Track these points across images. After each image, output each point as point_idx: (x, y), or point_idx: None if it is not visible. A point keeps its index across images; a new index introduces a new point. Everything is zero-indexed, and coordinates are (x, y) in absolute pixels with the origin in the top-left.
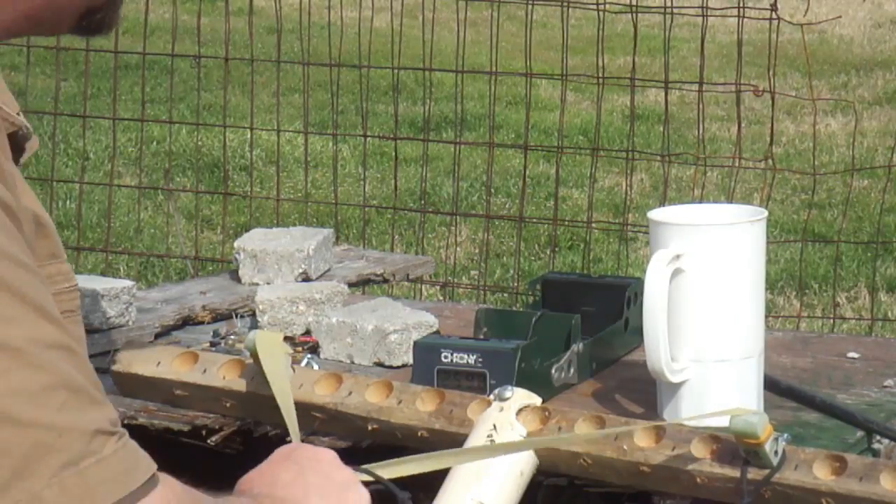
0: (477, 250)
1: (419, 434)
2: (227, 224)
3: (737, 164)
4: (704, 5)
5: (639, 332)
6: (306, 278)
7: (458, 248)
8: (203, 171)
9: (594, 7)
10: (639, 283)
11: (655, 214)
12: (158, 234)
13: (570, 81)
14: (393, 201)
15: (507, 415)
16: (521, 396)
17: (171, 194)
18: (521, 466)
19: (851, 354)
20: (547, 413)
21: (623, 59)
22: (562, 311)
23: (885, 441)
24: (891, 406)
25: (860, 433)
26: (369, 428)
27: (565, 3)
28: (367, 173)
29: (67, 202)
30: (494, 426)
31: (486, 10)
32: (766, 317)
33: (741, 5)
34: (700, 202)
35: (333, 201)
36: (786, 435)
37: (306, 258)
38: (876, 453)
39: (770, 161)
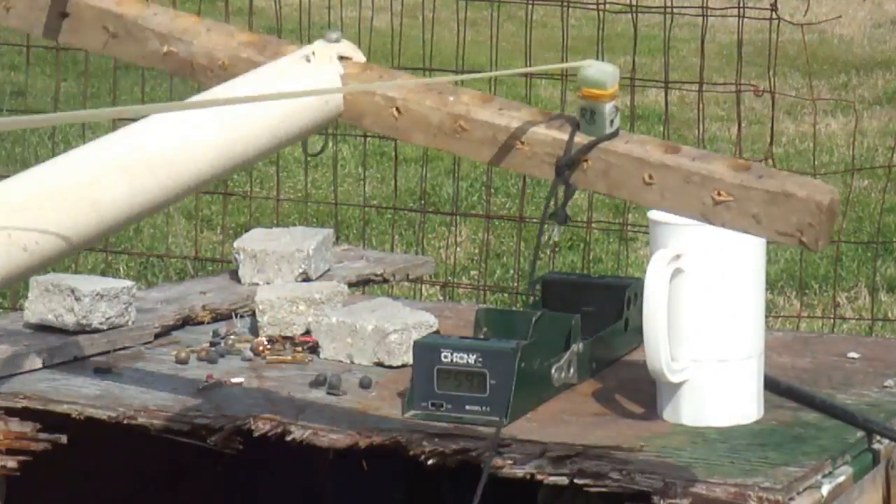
0: (477, 250)
1: (220, 62)
2: (226, 224)
3: None
4: (704, 5)
5: (639, 332)
6: (306, 278)
7: (458, 248)
8: None
9: (594, 7)
10: (639, 283)
11: (655, 214)
12: (158, 234)
13: (570, 81)
14: (393, 201)
15: (329, 50)
16: (348, 46)
17: None
18: (331, 106)
19: (851, 354)
20: (369, 68)
21: (623, 59)
22: (562, 311)
23: (886, 441)
24: (891, 406)
25: (860, 433)
26: (164, 50)
27: (565, 3)
28: (367, 173)
29: None
30: (314, 52)
31: (486, 10)
32: (766, 317)
33: (741, 5)
34: None
35: (333, 201)
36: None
37: (306, 258)
38: (876, 453)
39: (770, 161)
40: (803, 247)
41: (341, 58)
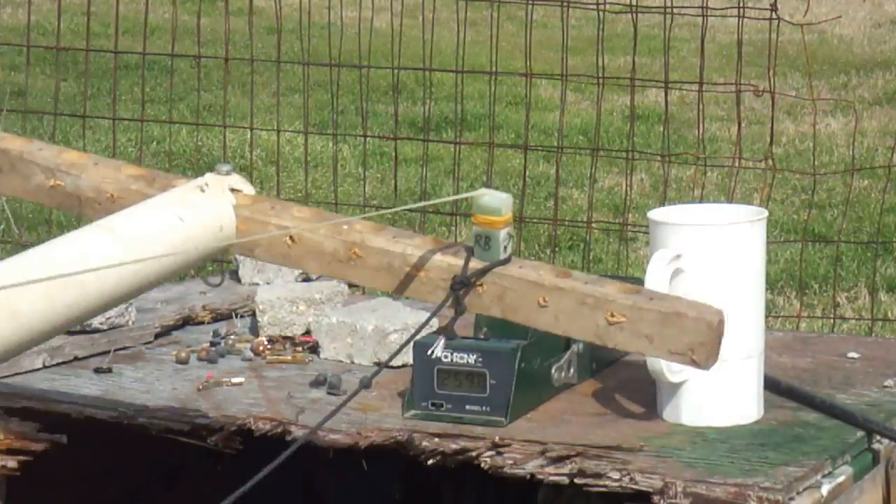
0: None
1: (108, 195)
2: None
3: (737, 164)
4: (704, 5)
5: None
6: (306, 278)
7: None
8: (203, 172)
9: (594, 7)
10: (639, 283)
11: (655, 214)
12: None
13: (570, 81)
14: (393, 201)
15: (221, 182)
16: (238, 179)
17: None
18: (221, 221)
19: (851, 354)
20: (261, 200)
21: (623, 59)
22: None
23: (885, 441)
24: (891, 406)
25: (860, 433)
26: (50, 184)
27: (565, 3)
28: (367, 173)
29: None
30: (207, 183)
31: (486, 10)
32: (766, 317)
33: (741, 5)
34: (700, 202)
35: (333, 201)
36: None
37: None
38: (876, 453)
39: (770, 161)
40: (694, 365)
41: (233, 190)
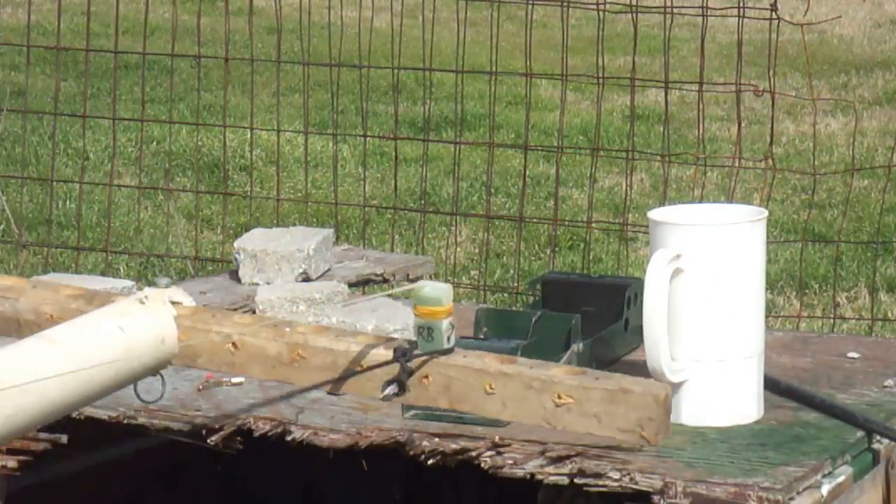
0: (477, 250)
1: (47, 315)
2: (227, 224)
3: (737, 164)
4: (704, 5)
5: (639, 332)
6: (306, 278)
7: (458, 248)
8: (203, 171)
9: (594, 7)
10: (639, 283)
11: (655, 214)
12: (158, 234)
13: (570, 81)
14: (393, 201)
15: (161, 295)
16: (177, 291)
17: (171, 194)
18: (162, 333)
19: (851, 354)
20: (201, 310)
21: (623, 59)
22: (562, 311)
23: (885, 441)
24: (891, 406)
25: (860, 433)
26: None
27: (565, 3)
28: (367, 173)
29: (67, 202)
30: (147, 296)
31: (486, 10)
32: (766, 317)
33: (741, 5)
34: (700, 202)
35: (333, 201)
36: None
37: (306, 258)
38: (876, 453)
39: (770, 161)
40: (644, 442)
41: (173, 302)
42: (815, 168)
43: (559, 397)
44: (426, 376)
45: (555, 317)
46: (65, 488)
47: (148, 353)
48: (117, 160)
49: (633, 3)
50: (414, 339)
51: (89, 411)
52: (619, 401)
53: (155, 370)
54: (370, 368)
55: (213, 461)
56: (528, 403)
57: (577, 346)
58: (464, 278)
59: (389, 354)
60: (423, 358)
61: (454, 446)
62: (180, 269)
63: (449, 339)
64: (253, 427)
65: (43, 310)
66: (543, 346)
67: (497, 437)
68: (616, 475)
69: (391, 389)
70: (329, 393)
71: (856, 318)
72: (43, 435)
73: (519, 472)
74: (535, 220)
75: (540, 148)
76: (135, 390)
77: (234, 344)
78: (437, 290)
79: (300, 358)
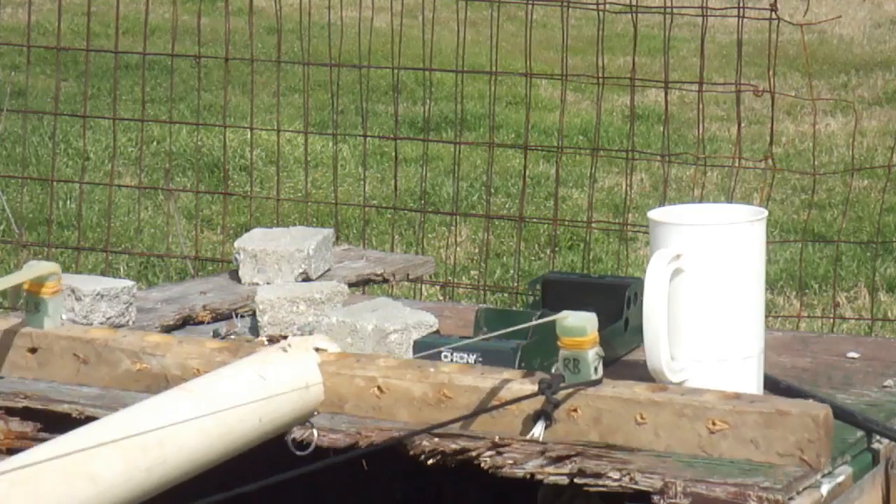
0: (477, 250)
1: (195, 370)
2: (227, 224)
3: (737, 164)
4: (704, 5)
5: (639, 332)
6: (306, 278)
7: (458, 248)
8: (203, 171)
9: (594, 7)
10: (639, 283)
11: (655, 214)
12: (158, 234)
13: (570, 81)
14: (393, 201)
15: (305, 342)
16: (322, 338)
17: (171, 194)
18: (306, 379)
19: (851, 354)
20: (346, 355)
21: (623, 59)
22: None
23: (885, 441)
24: (890, 406)
25: (860, 433)
26: (137, 367)
27: (565, 3)
28: (367, 173)
29: (67, 202)
30: (290, 344)
31: (486, 10)
32: (766, 317)
33: (741, 5)
34: (700, 202)
35: (333, 201)
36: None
37: (306, 258)
38: (875, 453)
39: (770, 161)
40: (805, 466)
41: (317, 349)
42: (814, 168)
43: (713, 423)
44: (575, 409)
45: None
46: None
47: (291, 399)
48: (117, 160)
49: (633, 3)
50: (559, 371)
51: (90, 411)
52: (776, 424)
53: (303, 418)
54: (516, 401)
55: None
56: (682, 432)
57: None
58: (464, 278)
59: (535, 388)
60: (570, 390)
61: (454, 446)
62: (180, 269)
63: (596, 370)
64: None
65: (189, 364)
66: (543, 346)
67: (497, 437)
68: (616, 475)
69: (540, 424)
70: (479, 427)
71: (855, 318)
72: (43, 435)
73: (519, 472)
74: (535, 220)
75: (540, 148)
76: (287, 441)
77: (378, 388)
78: (581, 320)
79: (446, 398)
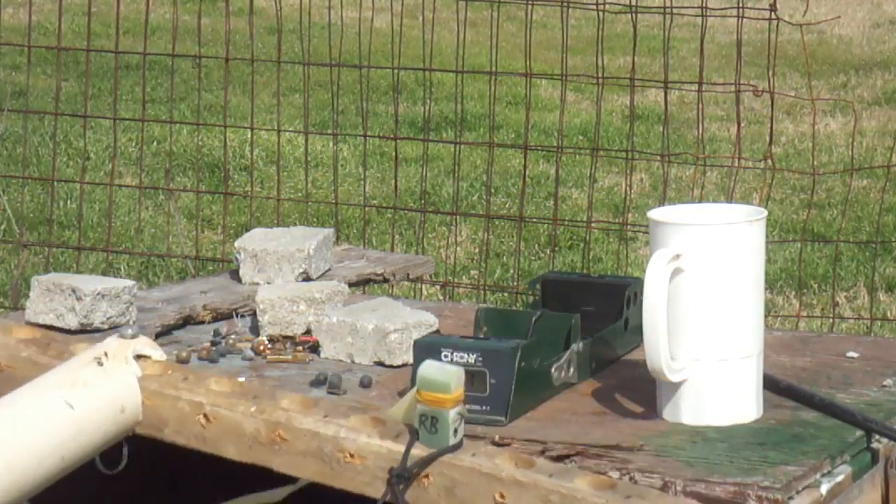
0: (477, 250)
1: None
2: (227, 224)
3: (736, 164)
4: (704, 5)
5: (639, 331)
6: (307, 278)
7: (458, 248)
8: (203, 171)
9: (594, 7)
10: (639, 283)
11: (655, 214)
12: (159, 234)
13: (570, 81)
14: (393, 201)
15: (124, 349)
16: (144, 343)
17: (172, 194)
18: (122, 401)
19: (850, 354)
20: (171, 368)
21: (623, 59)
22: (562, 311)
23: (884, 440)
24: (890, 405)
25: (859, 432)
26: None
27: (565, 3)
28: (367, 173)
29: (68, 202)
30: (106, 353)
31: (486, 10)
32: (766, 316)
33: (741, 5)
34: (700, 202)
35: (334, 201)
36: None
37: (306, 258)
38: (875, 453)
39: (769, 161)
40: None
41: (138, 357)
42: (814, 168)
43: None
44: (426, 476)
45: (555, 316)
46: (65, 489)
47: (102, 427)
48: (118, 160)
49: (633, 3)
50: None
51: None
52: None
53: (115, 441)
54: (360, 457)
55: (214, 461)
56: None
57: (577, 346)
58: (464, 278)
59: (385, 445)
60: (425, 454)
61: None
62: (181, 269)
63: (456, 432)
64: None
65: None
66: (543, 346)
67: (497, 437)
68: (616, 475)
69: (384, 493)
70: (314, 480)
71: (855, 318)
72: None
73: None
74: (535, 219)
75: (540, 148)
76: (95, 461)
77: (205, 415)
78: (444, 374)
79: (281, 440)
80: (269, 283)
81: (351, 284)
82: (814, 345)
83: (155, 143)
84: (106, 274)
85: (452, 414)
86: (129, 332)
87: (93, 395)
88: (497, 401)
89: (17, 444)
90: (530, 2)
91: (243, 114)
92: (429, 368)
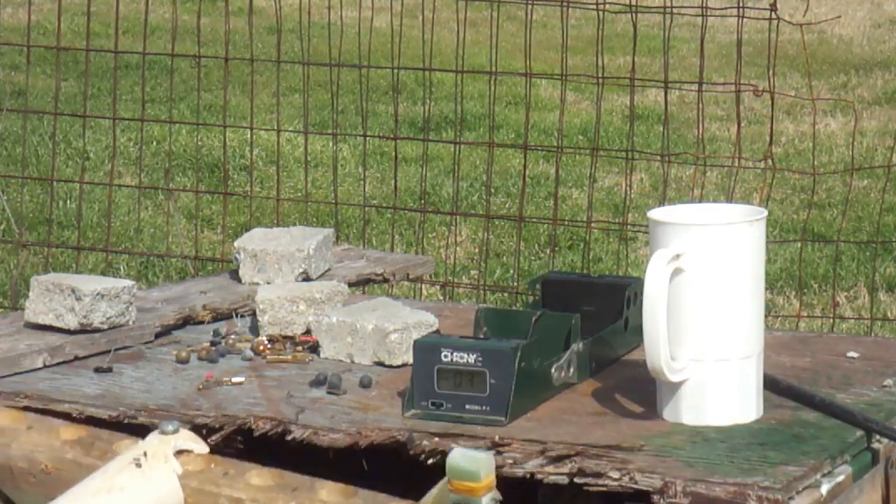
0: (477, 250)
1: (42, 467)
2: (227, 224)
3: (736, 164)
4: (704, 5)
5: (639, 331)
6: (306, 278)
7: (458, 248)
8: (203, 171)
9: (594, 7)
10: (639, 283)
11: (655, 214)
12: (158, 234)
13: (570, 81)
14: (393, 201)
15: (164, 447)
16: (186, 437)
17: (172, 194)
18: (164, 503)
19: (851, 354)
20: (213, 462)
21: (623, 59)
22: (562, 311)
23: (885, 440)
24: (890, 405)
25: (859, 432)
26: None
27: (565, 3)
28: (367, 173)
29: (68, 202)
30: (145, 453)
31: (486, 10)
32: (766, 316)
33: (741, 5)
34: (700, 202)
35: (333, 201)
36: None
37: (306, 258)
38: (875, 453)
39: (770, 161)
40: None
41: (179, 452)
42: (814, 168)
43: None
44: None
45: (555, 317)
46: (65, 489)
47: None
48: (117, 160)
49: (633, 3)
50: None
51: (91, 411)
52: None
53: None
54: None
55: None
56: None
57: (577, 346)
58: (464, 278)
59: None
60: None
61: (454, 446)
62: (180, 269)
63: None
64: (253, 427)
65: (37, 458)
66: (543, 346)
67: (497, 437)
68: (616, 475)
69: None
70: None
71: (855, 318)
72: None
73: (519, 472)
74: (534, 219)
75: (540, 148)
76: None
77: None
78: (473, 462)
79: None
80: (268, 283)
81: (351, 284)
82: (814, 345)
83: (154, 143)
84: (105, 274)
85: (485, 501)
86: (170, 427)
87: (130, 499)
88: (497, 401)
89: None
90: (530, 2)
91: (243, 114)
92: (457, 457)
